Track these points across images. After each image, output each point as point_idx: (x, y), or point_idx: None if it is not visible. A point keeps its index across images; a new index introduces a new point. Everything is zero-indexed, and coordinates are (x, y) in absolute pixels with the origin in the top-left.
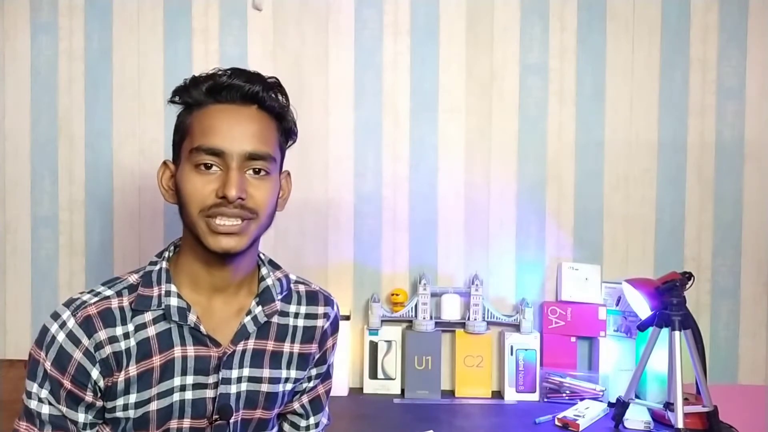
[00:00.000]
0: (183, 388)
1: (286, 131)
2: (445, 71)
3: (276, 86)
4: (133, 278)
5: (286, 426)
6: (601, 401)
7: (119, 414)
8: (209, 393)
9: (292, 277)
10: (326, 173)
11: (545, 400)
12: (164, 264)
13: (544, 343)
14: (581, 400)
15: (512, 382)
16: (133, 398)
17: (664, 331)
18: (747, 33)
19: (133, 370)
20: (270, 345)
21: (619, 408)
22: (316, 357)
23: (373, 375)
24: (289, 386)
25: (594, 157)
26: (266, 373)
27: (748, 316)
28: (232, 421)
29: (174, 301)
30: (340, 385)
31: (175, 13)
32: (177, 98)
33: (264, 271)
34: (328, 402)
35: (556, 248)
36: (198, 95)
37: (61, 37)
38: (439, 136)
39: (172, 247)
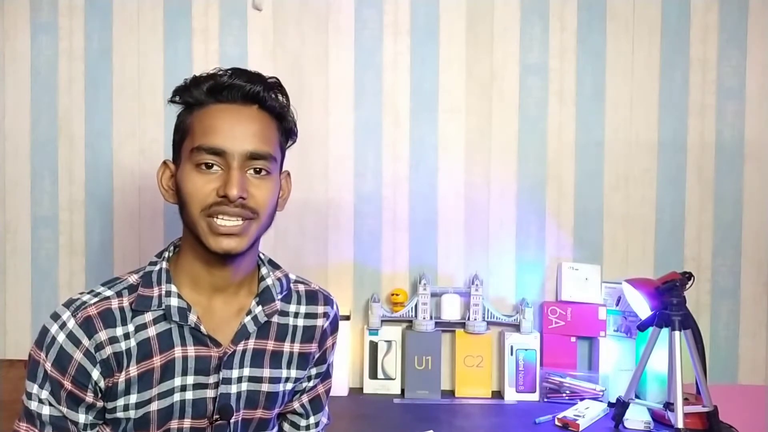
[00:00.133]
0: (183, 388)
1: (287, 131)
2: (445, 71)
3: (276, 86)
4: (133, 278)
5: (286, 426)
6: (601, 401)
7: (120, 414)
8: (210, 393)
9: (292, 276)
10: (326, 173)
11: (545, 400)
12: (164, 264)
13: (544, 343)
14: (581, 400)
15: (512, 382)
16: (133, 398)
17: (664, 331)
18: (747, 33)
19: (133, 370)
20: (270, 345)
21: (619, 408)
22: (316, 356)
23: (373, 375)
24: (289, 386)
25: (594, 157)
26: (266, 372)
27: (748, 316)
28: (232, 421)
29: (174, 302)
30: (340, 385)
31: (175, 13)
32: (177, 98)
33: (264, 270)
34: (328, 401)
35: (556, 248)
36: (199, 95)
37: (61, 37)
38: (439, 136)
39: (171, 247)
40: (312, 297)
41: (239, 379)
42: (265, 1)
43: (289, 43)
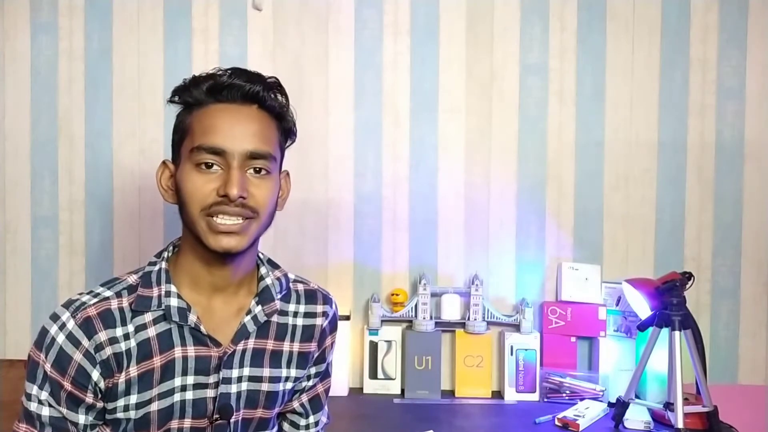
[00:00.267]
0: (184, 388)
1: (286, 131)
2: (445, 71)
3: (276, 86)
4: (132, 279)
5: (286, 425)
6: (601, 401)
7: (120, 415)
8: (210, 393)
9: (291, 276)
10: (326, 173)
11: (545, 400)
12: (163, 264)
13: (544, 343)
14: (581, 400)
15: (512, 382)
16: (133, 399)
17: (664, 331)
18: (747, 33)
19: (133, 371)
20: (270, 344)
21: (619, 408)
22: (316, 355)
23: (373, 375)
24: (289, 385)
25: (594, 157)
26: (266, 372)
27: (748, 316)
28: (232, 420)
29: (174, 302)
30: (340, 385)
31: (175, 13)
32: (177, 98)
33: (263, 270)
34: (328, 401)
35: (556, 248)
36: (198, 95)
37: (61, 37)
38: (439, 136)
39: (170, 247)
40: (311, 296)
41: (239, 379)
42: (265, 1)
43: (289, 43)
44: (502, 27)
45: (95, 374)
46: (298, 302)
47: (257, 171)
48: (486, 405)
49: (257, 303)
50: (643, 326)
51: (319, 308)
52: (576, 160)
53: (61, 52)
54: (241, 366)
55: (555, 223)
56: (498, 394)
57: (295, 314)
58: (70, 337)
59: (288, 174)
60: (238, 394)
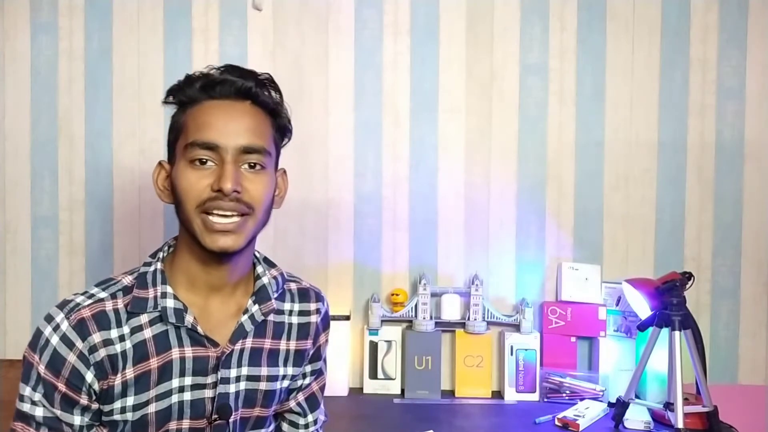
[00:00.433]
0: (181, 389)
1: (281, 128)
2: (445, 71)
3: (269, 82)
4: (128, 280)
5: (285, 425)
6: (601, 401)
7: (117, 417)
8: (208, 393)
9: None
10: (326, 173)
11: (545, 400)
12: (159, 265)
13: (544, 343)
14: (581, 400)
15: (512, 382)
16: (130, 401)
17: (664, 331)
18: (747, 33)
19: (130, 372)
20: (267, 343)
21: (619, 408)
22: (311, 353)
23: (373, 375)
24: (286, 383)
25: (594, 157)
26: (264, 371)
27: (748, 316)
28: (231, 420)
29: (170, 303)
30: (340, 385)
31: (175, 13)
32: (171, 98)
33: (259, 269)
34: (324, 398)
35: (556, 248)
36: (192, 93)
37: (61, 37)
38: (439, 136)
39: (166, 248)
40: (304, 294)
41: (237, 379)
42: (265, 1)
43: (289, 43)
44: (502, 27)
45: (89, 376)
46: (292, 301)
47: (252, 166)
48: (486, 405)
49: (254, 302)
50: (643, 326)
51: (313, 306)
52: (576, 160)
53: (61, 52)
54: (239, 366)
55: (555, 223)
56: (498, 394)
57: (290, 313)
58: (64, 339)
59: (285, 172)
60: (237, 393)
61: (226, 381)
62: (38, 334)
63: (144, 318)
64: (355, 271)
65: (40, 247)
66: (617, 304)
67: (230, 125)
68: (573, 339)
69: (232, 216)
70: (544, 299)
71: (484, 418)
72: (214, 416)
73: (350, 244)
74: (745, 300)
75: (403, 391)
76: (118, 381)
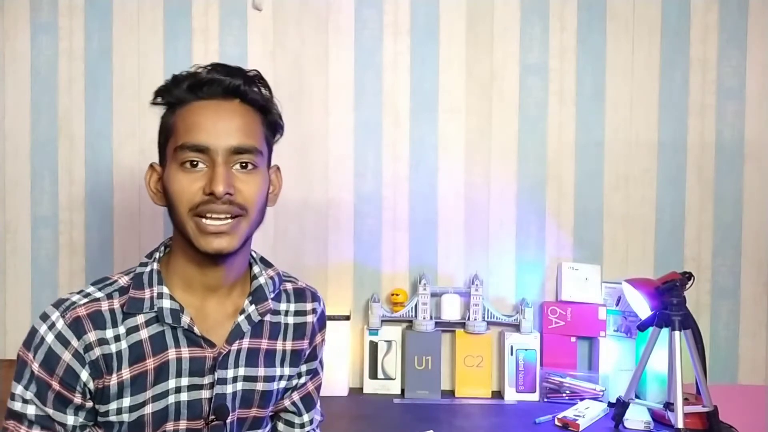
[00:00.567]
0: (178, 390)
1: (272, 124)
2: (445, 71)
3: (258, 79)
4: (124, 280)
5: (281, 425)
6: (601, 401)
7: (113, 418)
8: (205, 394)
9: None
10: (326, 173)
11: (545, 400)
12: (155, 265)
13: (544, 343)
14: (581, 400)
15: (512, 382)
16: (127, 402)
17: (664, 331)
18: (747, 33)
19: (126, 373)
20: (264, 343)
21: (619, 408)
22: (307, 353)
23: (373, 375)
24: (283, 383)
25: (594, 157)
26: (261, 371)
27: (748, 316)
28: (228, 421)
29: (167, 303)
30: (340, 385)
31: (175, 13)
32: (159, 99)
33: (256, 269)
34: (320, 398)
35: (556, 248)
36: (179, 93)
37: (61, 37)
38: (439, 136)
39: (162, 248)
40: (300, 294)
41: (234, 379)
42: (265, 1)
43: (289, 43)
44: (502, 27)
45: (84, 374)
46: (288, 301)
47: (243, 166)
48: (486, 405)
49: (251, 302)
50: (643, 326)
51: (309, 306)
52: (576, 160)
53: (61, 52)
54: (236, 366)
55: (555, 223)
56: (498, 394)
57: (286, 313)
58: (60, 337)
59: (278, 168)
60: (234, 394)
61: (223, 382)
62: (33, 332)
63: (140, 318)
64: (355, 271)
65: (40, 247)
66: (617, 304)
67: (220, 126)
68: (573, 339)
69: (226, 218)
70: (544, 299)
71: (484, 418)
72: (211, 417)
73: (350, 244)
74: (745, 300)
75: (403, 391)
76: (114, 381)
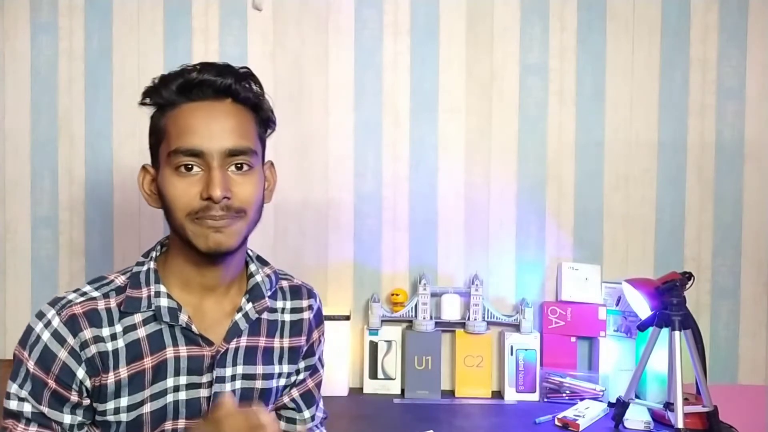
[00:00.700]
0: (176, 388)
1: (264, 121)
2: (445, 71)
3: (248, 76)
4: (121, 280)
5: (283, 423)
6: (601, 401)
7: (110, 418)
8: (203, 392)
9: None
10: (326, 173)
11: (545, 400)
12: (152, 264)
13: (544, 343)
14: (581, 400)
15: (512, 382)
16: (124, 401)
17: (664, 331)
18: (747, 33)
19: (123, 372)
20: (262, 341)
21: (619, 408)
22: (305, 349)
23: (373, 375)
24: (282, 381)
25: (594, 157)
26: (260, 369)
27: (748, 316)
28: None
29: (164, 302)
30: (340, 385)
31: (175, 13)
32: (148, 100)
33: (252, 267)
34: (320, 396)
35: (556, 248)
36: (169, 95)
37: (61, 37)
38: (439, 136)
39: (158, 247)
40: (296, 292)
41: (233, 377)
42: (265, 1)
43: (289, 43)
44: (502, 27)
45: (80, 372)
46: (284, 298)
47: (239, 167)
48: (486, 405)
49: (248, 300)
50: (643, 326)
51: (305, 303)
52: (576, 160)
53: (61, 52)
54: (235, 364)
55: (555, 223)
56: (498, 394)
57: (283, 310)
58: (56, 335)
59: (272, 164)
60: (233, 392)
61: (221, 380)
62: (29, 330)
63: (137, 317)
64: (355, 271)
65: (40, 247)
66: (617, 304)
67: (213, 128)
68: (573, 339)
69: (224, 218)
70: (544, 299)
71: (484, 418)
72: None
73: (350, 244)
74: (745, 300)
75: (403, 391)
76: (111, 380)
